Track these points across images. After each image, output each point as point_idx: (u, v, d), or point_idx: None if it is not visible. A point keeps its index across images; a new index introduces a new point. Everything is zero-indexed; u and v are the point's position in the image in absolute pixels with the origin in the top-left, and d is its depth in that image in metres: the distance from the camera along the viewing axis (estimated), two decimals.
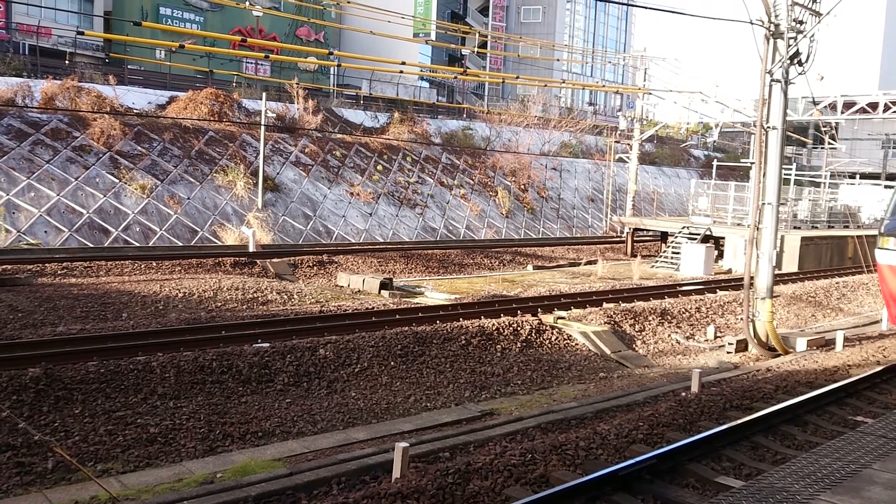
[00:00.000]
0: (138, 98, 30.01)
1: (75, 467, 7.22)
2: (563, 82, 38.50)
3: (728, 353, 14.35)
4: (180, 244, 23.93)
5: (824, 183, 37.16)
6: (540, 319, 14.61)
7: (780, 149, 14.03)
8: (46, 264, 17.85)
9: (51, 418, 8.52)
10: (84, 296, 14.98)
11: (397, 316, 14.50)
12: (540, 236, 35.92)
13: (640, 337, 15.17)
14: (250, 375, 10.36)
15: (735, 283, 20.57)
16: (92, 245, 22.25)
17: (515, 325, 13.87)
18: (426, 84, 52.30)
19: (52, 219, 22.49)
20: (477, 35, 50.61)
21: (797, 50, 13.77)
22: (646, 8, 14.68)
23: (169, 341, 11.44)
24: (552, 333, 14.06)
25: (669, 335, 15.58)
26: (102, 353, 10.53)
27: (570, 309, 16.12)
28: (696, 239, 26.89)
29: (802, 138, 46.55)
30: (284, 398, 10.02)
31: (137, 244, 23.23)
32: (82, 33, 30.51)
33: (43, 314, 13.71)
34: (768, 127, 14.00)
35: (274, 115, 31.28)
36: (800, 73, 14.06)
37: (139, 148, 26.52)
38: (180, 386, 9.73)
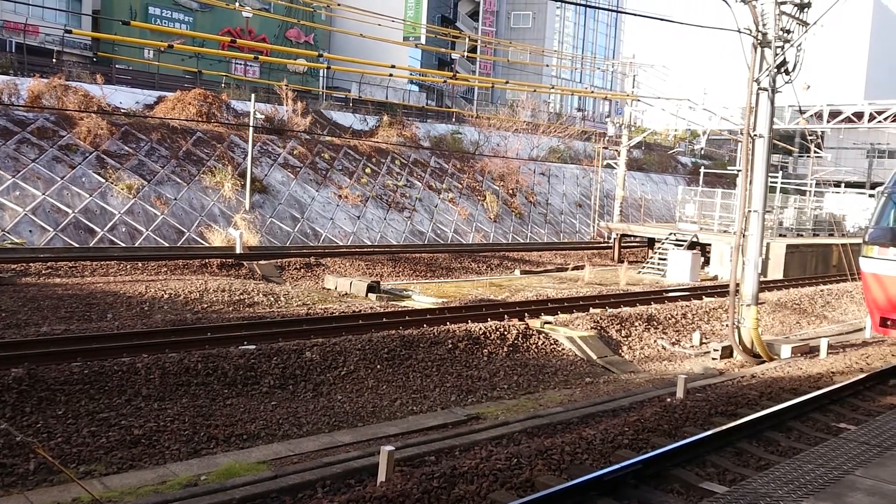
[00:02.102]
0: (126, 98, 29.85)
1: (57, 469, 7.16)
2: (553, 88, 38.56)
3: (713, 359, 14.42)
4: (167, 245, 23.80)
5: (810, 191, 37.46)
6: (527, 324, 14.63)
7: (766, 157, 14.13)
8: (31, 264, 17.70)
9: (33, 419, 8.44)
10: (68, 296, 14.87)
11: (384, 319, 14.47)
12: (528, 241, 35.99)
13: (627, 342, 15.22)
14: (236, 377, 10.31)
15: (721, 290, 20.68)
16: (77, 245, 22.09)
17: (502, 329, 13.88)
18: (415, 88, 52.31)
19: (37, 218, 22.31)
20: (467, 39, 50.70)
21: (784, 59, 13.89)
22: (635, 15, 14.74)
23: (154, 342, 11.37)
24: (539, 338, 14.08)
25: (655, 341, 15.64)
26: (86, 353, 10.45)
27: (557, 314, 16.16)
28: (682, 245, 27.02)
29: (788, 147, 46.92)
30: (270, 400, 9.98)
31: (123, 245, 23.09)
32: (70, 32, 30.23)
33: (27, 314, 13.60)
34: (755, 135, 14.10)
35: (263, 116, 31.19)
36: (787, 82, 14.17)
37: (126, 148, 26.37)
38: (165, 387, 9.67)
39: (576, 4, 44.99)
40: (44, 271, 17.50)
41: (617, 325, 15.73)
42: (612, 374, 13.37)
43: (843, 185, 44.57)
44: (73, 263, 18.25)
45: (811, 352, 14.61)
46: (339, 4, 29.19)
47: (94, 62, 37.03)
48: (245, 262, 20.76)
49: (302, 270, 21.30)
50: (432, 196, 34.27)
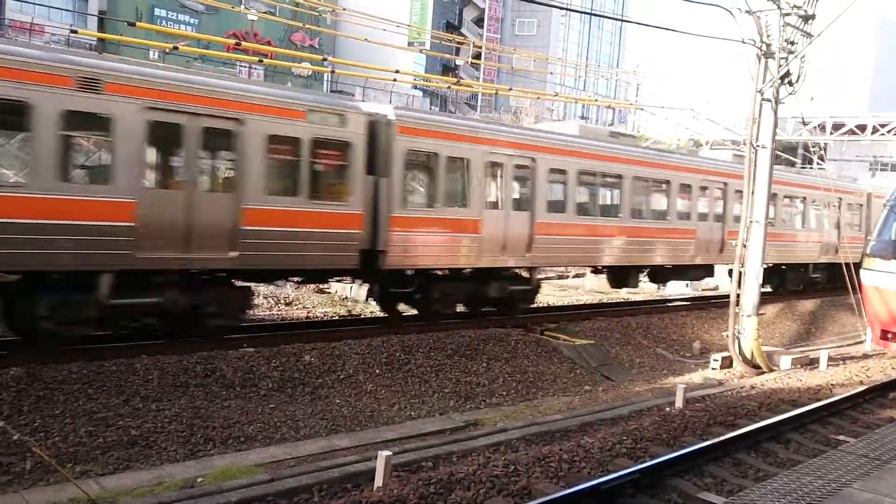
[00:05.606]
0: None
1: (54, 468, 7.14)
2: (556, 95, 38.59)
3: (713, 369, 14.38)
4: None
5: None
6: (527, 331, 14.61)
7: (769, 168, 14.13)
8: None
9: (31, 418, 8.41)
10: None
11: (383, 323, 14.45)
12: None
13: (626, 351, 15.19)
14: (234, 380, 10.28)
15: (722, 300, 20.64)
16: None
17: (502, 335, 13.86)
18: (419, 93, 52.41)
19: None
20: (471, 46, 50.83)
21: (788, 70, 13.89)
22: (639, 24, 14.79)
23: (153, 343, 11.34)
24: (539, 345, 14.06)
25: (655, 350, 15.62)
26: (85, 353, 10.42)
27: (558, 321, 16.13)
28: None
29: (791, 158, 46.85)
30: (268, 403, 9.95)
31: None
32: (76, 32, 30.28)
33: None
34: (758, 145, 14.09)
35: None
36: (790, 94, 14.17)
37: None
38: (163, 388, 9.64)
39: (580, 13, 45.11)
40: None
41: (617, 333, 15.71)
42: (611, 382, 13.34)
43: None
44: None
45: (811, 363, 14.58)
46: (344, 9, 29.29)
47: None
48: None
49: None
50: None
